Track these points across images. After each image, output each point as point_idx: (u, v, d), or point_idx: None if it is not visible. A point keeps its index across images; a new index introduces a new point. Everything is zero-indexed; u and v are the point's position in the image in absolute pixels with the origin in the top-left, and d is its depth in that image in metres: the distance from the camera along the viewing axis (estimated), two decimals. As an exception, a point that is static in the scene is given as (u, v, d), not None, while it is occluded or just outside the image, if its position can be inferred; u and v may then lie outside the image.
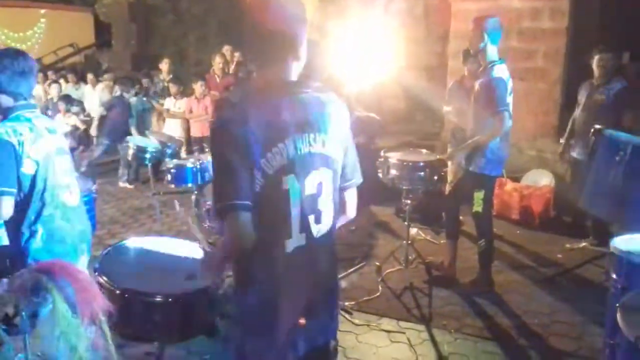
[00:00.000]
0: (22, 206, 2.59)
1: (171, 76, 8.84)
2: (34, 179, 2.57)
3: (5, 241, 2.86)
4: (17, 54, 2.67)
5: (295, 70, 1.81)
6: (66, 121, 8.28)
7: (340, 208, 1.93)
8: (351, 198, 1.99)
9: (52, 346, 2.67)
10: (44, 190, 2.61)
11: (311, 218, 1.79)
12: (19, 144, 2.50)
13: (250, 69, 1.87)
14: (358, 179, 1.99)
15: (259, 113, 1.68)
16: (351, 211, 2.00)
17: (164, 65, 9.01)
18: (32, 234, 2.63)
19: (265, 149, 1.67)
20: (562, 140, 5.69)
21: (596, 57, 5.23)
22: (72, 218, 2.75)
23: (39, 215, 2.62)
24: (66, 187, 2.73)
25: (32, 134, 2.57)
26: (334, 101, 1.87)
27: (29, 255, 2.63)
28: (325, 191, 1.83)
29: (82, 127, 8.77)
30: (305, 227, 1.78)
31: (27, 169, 2.54)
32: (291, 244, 1.75)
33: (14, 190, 2.50)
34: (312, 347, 1.86)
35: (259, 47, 1.78)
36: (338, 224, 1.95)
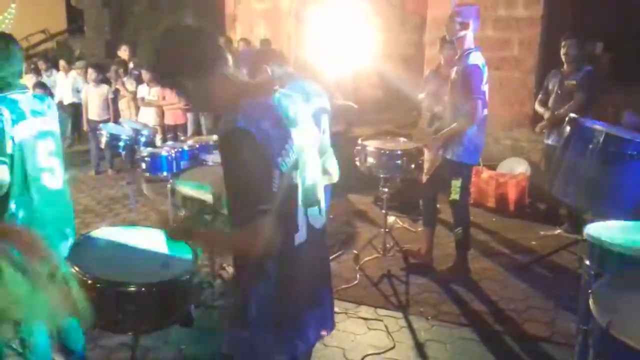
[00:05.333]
0: None
1: (132, 63, 8.65)
2: (11, 159, 2.53)
3: None
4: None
5: None
6: None
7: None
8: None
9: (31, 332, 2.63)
10: (23, 172, 2.58)
11: (314, 210, 1.84)
12: (0, 122, 2.49)
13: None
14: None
15: (263, 114, 1.70)
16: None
17: (123, 52, 8.79)
18: (12, 216, 2.60)
19: (280, 147, 1.70)
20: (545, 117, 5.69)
21: (563, 44, 5.29)
22: (54, 202, 2.72)
23: (18, 197, 2.59)
24: (48, 170, 2.69)
25: (13, 115, 2.54)
26: (293, 94, 1.91)
27: None
28: (319, 181, 1.89)
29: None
30: (308, 220, 1.82)
31: (7, 148, 2.51)
32: (298, 237, 1.79)
33: (5, 159, 2.49)
34: (320, 336, 1.95)
35: (202, 62, 1.71)
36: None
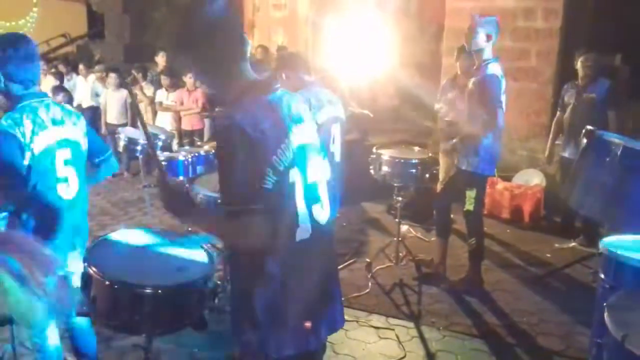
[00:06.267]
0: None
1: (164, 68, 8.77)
2: (28, 170, 2.52)
3: None
4: (18, 39, 2.60)
5: None
6: None
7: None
8: None
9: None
10: (38, 182, 2.56)
11: (316, 207, 1.85)
12: (22, 135, 2.47)
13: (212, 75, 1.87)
14: None
15: (263, 111, 1.72)
16: None
17: (160, 58, 8.91)
18: (23, 225, 2.59)
19: (276, 146, 1.71)
20: (548, 144, 5.77)
21: (581, 58, 5.27)
22: (65, 212, 2.69)
23: (30, 206, 2.58)
24: (64, 180, 2.67)
25: (34, 126, 2.53)
26: (315, 93, 1.93)
27: None
28: (322, 178, 1.89)
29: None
30: (311, 216, 1.83)
31: (25, 160, 2.50)
32: (300, 234, 1.80)
33: (20, 179, 2.50)
34: (331, 332, 1.98)
35: (226, 51, 1.77)
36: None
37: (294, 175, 1.77)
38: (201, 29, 1.74)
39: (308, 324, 1.83)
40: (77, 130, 2.77)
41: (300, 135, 1.80)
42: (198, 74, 1.92)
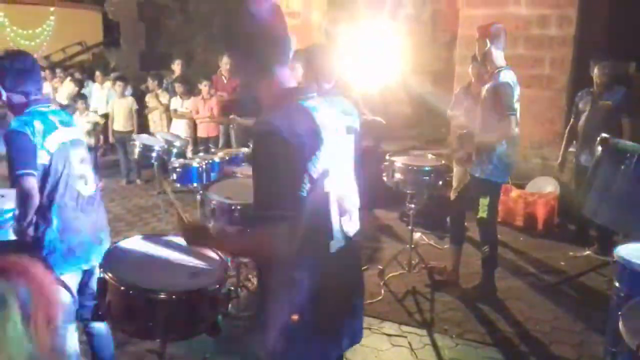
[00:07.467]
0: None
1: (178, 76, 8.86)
2: (47, 169, 2.63)
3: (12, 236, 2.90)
4: (14, 54, 2.76)
5: None
6: (86, 120, 7.94)
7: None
8: None
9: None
10: (58, 180, 2.67)
11: (346, 218, 1.85)
12: (32, 134, 2.57)
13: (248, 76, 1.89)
14: None
15: (299, 117, 1.71)
16: None
17: (176, 66, 9.00)
18: (47, 224, 2.68)
19: (311, 153, 1.70)
20: (561, 151, 5.74)
21: (598, 66, 5.25)
22: (87, 208, 2.81)
23: (53, 205, 2.68)
24: (80, 177, 2.78)
25: (45, 126, 2.63)
26: (332, 102, 1.92)
27: (45, 246, 2.68)
28: (351, 189, 1.90)
29: (102, 121, 8.65)
30: (342, 228, 1.83)
31: (41, 159, 2.61)
32: (334, 245, 1.80)
33: (34, 172, 2.57)
34: (352, 344, 1.97)
35: (267, 53, 1.78)
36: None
37: (328, 184, 1.76)
38: (250, 31, 1.75)
39: (295, 317, 1.80)
40: (81, 132, 2.98)
41: (333, 144, 1.78)
42: (238, 75, 1.90)
